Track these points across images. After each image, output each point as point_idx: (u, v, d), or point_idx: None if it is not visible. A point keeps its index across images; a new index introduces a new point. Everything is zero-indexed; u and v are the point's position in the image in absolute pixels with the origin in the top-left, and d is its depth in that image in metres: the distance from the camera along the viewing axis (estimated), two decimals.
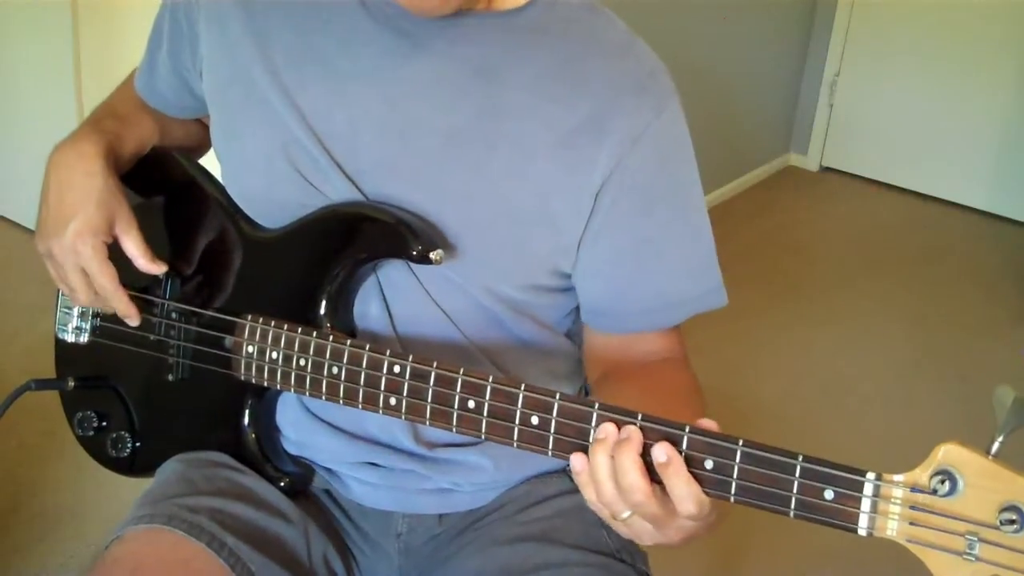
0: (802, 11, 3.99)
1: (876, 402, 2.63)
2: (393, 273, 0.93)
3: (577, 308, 1.02)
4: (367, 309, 0.95)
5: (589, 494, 0.75)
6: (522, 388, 0.78)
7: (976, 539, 0.62)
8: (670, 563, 1.21)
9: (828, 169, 4.21)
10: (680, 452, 0.72)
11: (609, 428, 0.73)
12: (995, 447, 0.62)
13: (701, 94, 3.30)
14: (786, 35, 3.97)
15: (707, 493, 0.72)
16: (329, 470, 1.03)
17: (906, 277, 3.36)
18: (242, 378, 0.95)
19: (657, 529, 0.74)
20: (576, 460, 0.74)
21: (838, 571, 2.01)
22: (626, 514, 0.73)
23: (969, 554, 0.63)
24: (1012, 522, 0.61)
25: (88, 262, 0.95)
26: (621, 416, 0.74)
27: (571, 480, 1.04)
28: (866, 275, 3.35)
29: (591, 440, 0.75)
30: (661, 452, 0.71)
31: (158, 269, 0.98)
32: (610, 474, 0.72)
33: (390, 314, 0.95)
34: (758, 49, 3.78)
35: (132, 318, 1.00)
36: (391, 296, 0.95)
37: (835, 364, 2.81)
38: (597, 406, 0.75)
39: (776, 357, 2.82)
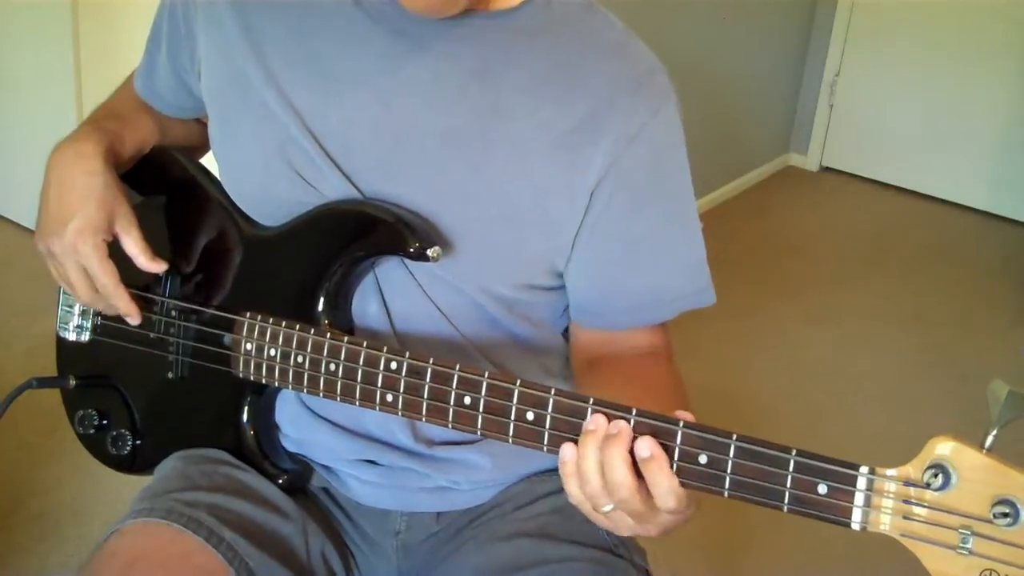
0: (802, 11, 3.99)
1: (876, 402, 2.63)
2: (391, 271, 0.94)
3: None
4: (366, 307, 0.95)
5: (571, 486, 0.75)
6: (517, 384, 0.78)
7: (969, 533, 0.62)
8: (669, 560, 1.21)
9: (828, 169, 4.21)
10: (674, 447, 0.72)
11: (600, 420, 0.73)
12: (988, 441, 0.63)
13: (701, 94, 3.31)
14: (786, 35, 3.97)
15: (700, 488, 0.72)
16: (327, 468, 1.03)
17: (906, 277, 3.36)
18: (240, 375, 0.95)
19: (638, 523, 0.75)
20: (566, 449, 0.74)
21: (838, 571, 2.01)
22: (608, 507, 0.74)
23: (962, 548, 0.63)
24: (1005, 515, 0.61)
25: (88, 260, 0.96)
26: (614, 411, 0.74)
27: None
28: (866, 275, 3.35)
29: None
30: (645, 447, 0.71)
31: (158, 268, 0.99)
32: (598, 468, 0.73)
33: (388, 312, 0.95)
34: (758, 49, 3.78)
35: (133, 316, 1.00)
36: (389, 294, 0.95)
37: (835, 364, 2.81)
38: (592, 401, 0.75)
39: (775, 357, 2.82)
